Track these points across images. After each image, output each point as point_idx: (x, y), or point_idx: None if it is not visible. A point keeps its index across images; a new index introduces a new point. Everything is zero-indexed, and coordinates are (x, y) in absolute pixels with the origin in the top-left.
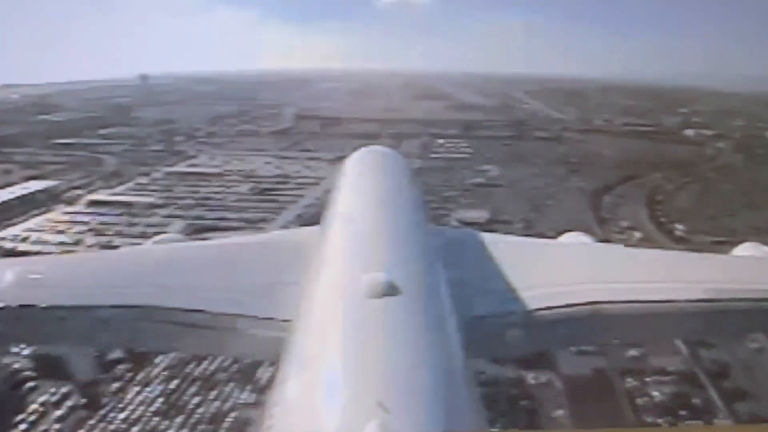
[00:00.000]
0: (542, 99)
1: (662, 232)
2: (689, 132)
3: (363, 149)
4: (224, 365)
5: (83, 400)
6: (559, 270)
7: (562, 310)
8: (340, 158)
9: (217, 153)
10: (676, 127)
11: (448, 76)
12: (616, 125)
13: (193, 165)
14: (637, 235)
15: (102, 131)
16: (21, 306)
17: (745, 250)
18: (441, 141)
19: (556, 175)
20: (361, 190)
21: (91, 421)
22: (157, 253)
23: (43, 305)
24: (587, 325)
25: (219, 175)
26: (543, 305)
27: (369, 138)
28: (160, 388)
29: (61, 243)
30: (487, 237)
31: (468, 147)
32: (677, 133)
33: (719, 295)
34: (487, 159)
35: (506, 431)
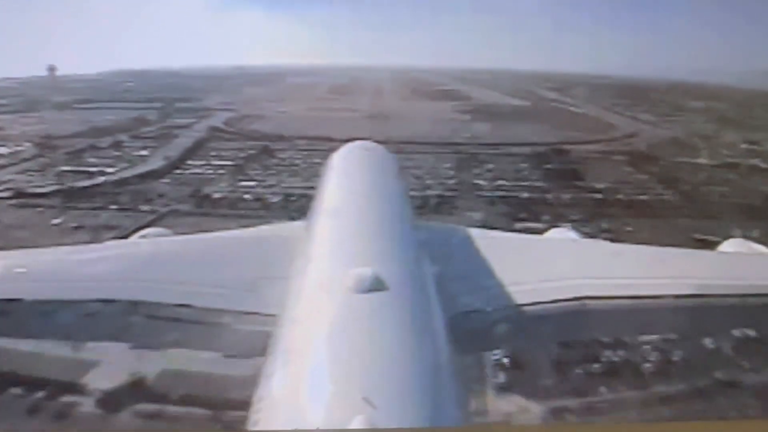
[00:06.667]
0: (582, 99)
1: None
2: None
3: (349, 144)
4: None
5: None
6: (545, 265)
7: (549, 305)
8: None
9: None
10: None
11: (442, 70)
12: None
13: None
14: None
15: None
16: (5, 300)
17: (731, 246)
18: (520, 227)
19: None
20: (347, 185)
21: None
22: (143, 247)
23: (28, 299)
24: (573, 320)
25: None
26: (529, 300)
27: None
28: None
29: None
30: (475, 232)
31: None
32: None
33: (705, 290)
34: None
35: (494, 424)
